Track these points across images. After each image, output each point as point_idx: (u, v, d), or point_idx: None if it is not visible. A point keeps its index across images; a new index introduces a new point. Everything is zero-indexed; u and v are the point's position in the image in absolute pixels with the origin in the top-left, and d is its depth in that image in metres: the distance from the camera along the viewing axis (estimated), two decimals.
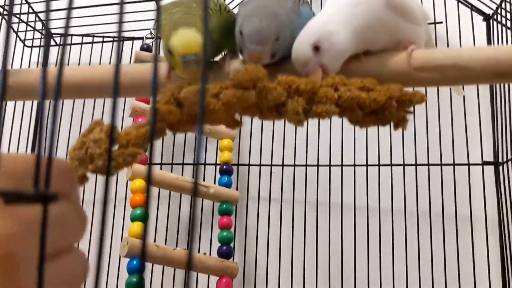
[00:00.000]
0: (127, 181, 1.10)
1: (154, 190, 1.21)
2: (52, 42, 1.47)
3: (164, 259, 0.96)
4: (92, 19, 1.35)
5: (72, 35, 1.44)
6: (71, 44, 1.45)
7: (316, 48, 0.56)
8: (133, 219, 0.98)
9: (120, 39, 0.33)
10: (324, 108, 0.51)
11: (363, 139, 1.23)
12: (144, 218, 0.98)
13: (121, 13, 0.33)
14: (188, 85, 0.55)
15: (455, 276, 1.13)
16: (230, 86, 0.52)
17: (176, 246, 1.17)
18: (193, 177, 1.21)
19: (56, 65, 1.06)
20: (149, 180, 0.35)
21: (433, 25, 1.29)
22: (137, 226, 0.97)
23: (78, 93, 0.70)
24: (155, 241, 1.18)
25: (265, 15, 0.57)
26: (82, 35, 1.44)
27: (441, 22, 1.29)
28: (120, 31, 0.30)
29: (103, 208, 0.28)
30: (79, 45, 1.44)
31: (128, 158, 0.50)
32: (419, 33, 0.63)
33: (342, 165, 1.24)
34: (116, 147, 0.52)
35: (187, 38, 0.55)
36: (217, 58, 0.68)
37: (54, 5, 1.34)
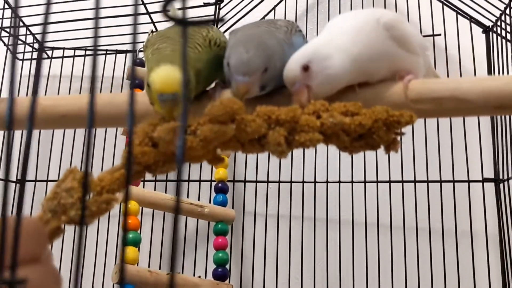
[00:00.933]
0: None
1: (148, 211, 1.19)
2: (44, 55, 1.45)
3: (158, 285, 0.94)
4: (84, 32, 1.33)
5: (64, 48, 1.42)
6: (63, 57, 1.42)
7: (305, 68, 0.54)
8: (126, 244, 0.96)
9: (95, 53, 0.30)
10: (307, 137, 0.48)
11: (361, 156, 1.21)
12: (136, 242, 0.96)
13: (96, 27, 0.31)
14: (162, 122, 0.52)
15: None
16: (206, 121, 0.49)
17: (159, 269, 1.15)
18: (176, 195, 1.18)
19: (48, 78, 1.03)
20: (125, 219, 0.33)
21: (431, 37, 1.27)
22: (129, 251, 0.94)
23: (57, 123, 0.68)
24: (149, 265, 1.16)
25: (253, 45, 0.54)
26: (74, 48, 1.41)
27: (439, 34, 1.27)
28: (95, 47, 0.27)
29: (76, 263, 0.27)
30: (71, 58, 1.42)
31: (102, 205, 0.47)
32: (417, 63, 0.61)
33: (339, 182, 1.21)
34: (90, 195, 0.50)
35: (167, 75, 0.52)
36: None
37: (45, 18, 1.32)
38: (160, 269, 1.16)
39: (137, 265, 0.98)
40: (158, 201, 1.04)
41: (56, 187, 0.47)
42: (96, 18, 0.32)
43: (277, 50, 0.56)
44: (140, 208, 1.03)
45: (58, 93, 1.41)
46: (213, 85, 0.65)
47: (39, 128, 1.11)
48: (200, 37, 0.61)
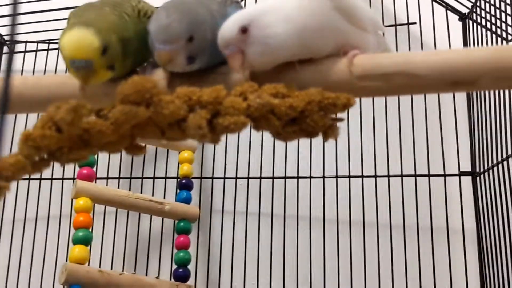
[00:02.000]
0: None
1: (100, 207, 1.12)
2: (6, 49, 1.39)
3: (109, 286, 0.88)
4: (47, 24, 1.27)
5: (26, 42, 1.35)
6: (25, 51, 1.36)
7: (244, 30, 0.48)
8: (75, 242, 0.90)
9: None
10: (231, 119, 0.44)
11: (332, 150, 1.15)
12: (86, 241, 0.89)
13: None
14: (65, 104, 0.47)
15: None
16: (118, 102, 0.45)
17: (123, 270, 1.09)
18: (141, 192, 1.12)
19: (21, 73, 0.96)
20: None
21: (406, 26, 1.22)
22: (79, 249, 0.88)
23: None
24: (100, 265, 1.10)
25: (175, 10, 0.49)
26: (37, 42, 1.35)
27: (414, 23, 1.21)
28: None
29: None
30: (34, 52, 1.36)
31: None
32: (366, 39, 0.55)
33: (310, 177, 1.16)
34: None
35: (78, 39, 0.47)
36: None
37: (5, 11, 1.26)
38: (112, 269, 1.10)
39: (88, 264, 0.92)
40: (113, 198, 0.98)
41: None
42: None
43: (206, 19, 0.51)
44: (93, 205, 0.97)
45: None
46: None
47: None
48: (129, 7, 0.55)
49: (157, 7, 0.54)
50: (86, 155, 0.46)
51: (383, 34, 0.64)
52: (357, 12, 0.54)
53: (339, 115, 0.48)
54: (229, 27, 0.48)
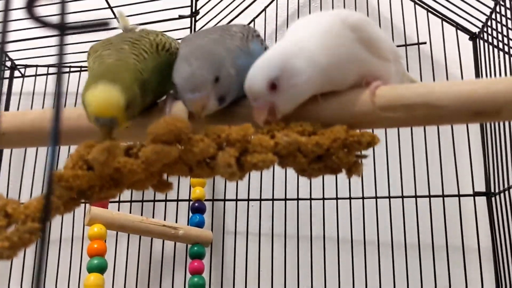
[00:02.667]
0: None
1: (113, 232, 1.12)
2: (18, 74, 1.40)
3: None
4: (55, 49, 1.28)
5: (37, 66, 1.36)
6: (36, 75, 1.37)
7: (273, 86, 0.47)
8: (90, 270, 0.89)
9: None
10: (260, 157, 0.44)
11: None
12: (101, 269, 0.89)
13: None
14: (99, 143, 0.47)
15: None
16: (149, 142, 0.45)
17: None
18: (153, 215, 1.12)
19: (20, 96, 0.97)
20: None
21: (416, 46, 1.22)
22: (94, 278, 0.88)
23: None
24: None
25: (196, 57, 0.48)
26: (48, 66, 1.36)
27: (425, 43, 1.21)
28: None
29: None
30: (45, 76, 1.37)
31: (25, 235, 0.43)
32: (387, 69, 0.55)
33: (323, 199, 1.15)
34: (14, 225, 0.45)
35: (104, 98, 0.46)
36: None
37: (16, 36, 1.27)
38: None
39: None
40: (127, 224, 0.97)
41: None
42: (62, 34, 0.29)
43: (225, 56, 0.50)
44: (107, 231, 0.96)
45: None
46: (164, 97, 0.59)
47: None
48: (147, 42, 0.55)
49: (181, 48, 0.54)
50: (116, 194, 0.47)
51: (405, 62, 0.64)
52: (379, 43, 0.54)
53: (364, 152, 0.48)
54: (257, 82, 0.47)
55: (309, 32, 0.51)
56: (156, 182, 0.47)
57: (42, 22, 0.28)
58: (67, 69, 1.35)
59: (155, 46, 0.55)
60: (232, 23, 1.26)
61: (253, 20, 1.30)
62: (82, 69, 1.34)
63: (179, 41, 0.59)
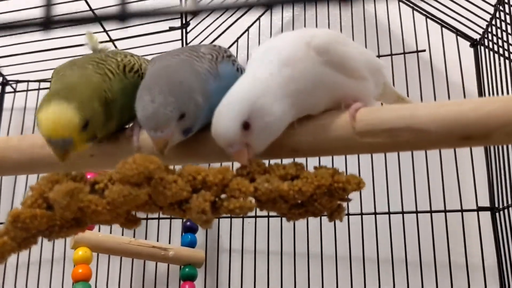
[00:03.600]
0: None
1: (103, 255, 1.09)
2: (9, 89, 1.37)
3: None
4: (48, 63, 1.25)
5: (28, 81, 1.34)
6: (27, 90, 1.34)
7: (246, 126, 0.44)
8: None
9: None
10: (237, 204, 0.41)
11: None
12: None
13: None
14: (65, 179, 0.44)
15: None
16: (117, 180, 0.42)
17: None
18: (145, 235, 1.08)
19: (11, 111, 0.94)
20: None
21: (415, 54, 1.17)
22: None
23: None
24: None
25: (160, 89, 0.44)
26: (40, 81, 1.33)
27: (424, 50, 1.17)
28: None
29: None
30: (36, 91, 1.34)
31: None
32: (364, 88, 0.51)
33: (320, 216, 1.10)
34: None
35: (56, 117, 0.43)
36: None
37: (7, 51, 1.25)
38: None
39: None
40: (114, 246, 0.94)
41: None
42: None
43: (193, 86, 0.47)
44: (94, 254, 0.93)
45: (23, 126, 1.33)
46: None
47: None
48: (113, 63, 0.52)
49: (147, 71, 0.51)
50: (77, 232, 0.44)
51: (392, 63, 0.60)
52: (350, 63, 0.49)
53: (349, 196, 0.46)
54: (230, 127, 0.44)
55: (272, 62, 0.47)
56: (124, 220, 0.44)
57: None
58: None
59: (122, 68, 0.52)
60: (224, 34, 1.23)
61: (247, 29, 1.26)
62: None
63: None
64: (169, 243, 1.10)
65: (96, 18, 0.28)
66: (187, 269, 1.02)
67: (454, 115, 0.46)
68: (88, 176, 0.99)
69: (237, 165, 0.46)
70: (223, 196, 0.43)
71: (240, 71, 0.54)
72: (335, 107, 0.50)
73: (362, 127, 0.47)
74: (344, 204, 0.46)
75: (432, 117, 0.46)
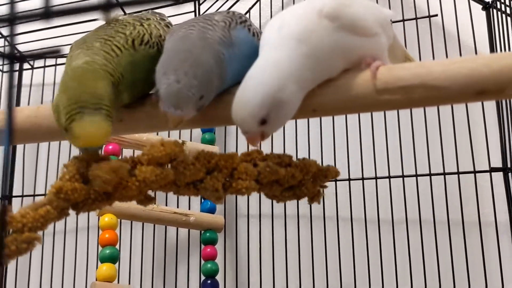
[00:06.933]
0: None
1: (126, 222, 1.12)
2: (27, 65, 1.40)
3: None
4: (65, 38, 1.27)
5: (45, 56, 1.36)
6: (44, 66, 1.37)
7: (263, 122, 0.48)
8: (102, 260, 0.90)
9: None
10: (244, 184, 0.50)
11: (357, 152, 1.13)
12: (113, 258, 0.89)
13: None
14: (96, 159, 0.48)
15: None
16: (145, 161, 0.48)
17: (152, 283, 1.09)
18: (166, 202, 1.11)
19: (30, 87, 0.97)
20: None
21: (427, 19, 1.18)
22: (107, 268, 0.88)
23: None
24: (129, 279, 1.10)
25: (185, 70, 0.47)
26: (56, 56, 1.36)
27: (436, 15, 1.17)
28: None
29: None
30: (54, 67, 1.36)
31: (23, 245, 0.45)
32: (379, 45, 0.53)
33: (336, 180, 1.13)
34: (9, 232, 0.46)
35: (96, 135, 0.46)
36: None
37: (23, 27, 1.27)
38: (141, 283, 1.10)
39: (117, 281, 0.92)
40: (138, 212, 0.97)
41: None
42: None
43: (213, 68, 0.49)
44: (119, 221, 0.97)
45: (42, 101, 1.36)
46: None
47: None
48: (122, 38, 0.53)
49: (166, 44, 0.52)
50: (104, 206, 0.49)
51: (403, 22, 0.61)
52: (363, 22, 0.51)
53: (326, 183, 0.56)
54: (247, 122, 0.48)
55: (287, 42, 0.49)
56: (143, 197, 0.50)
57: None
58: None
59: (130, 42, 0.53)
60: (236, 5, 1.24)
61: (258, 1, 1.27)
62: None
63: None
64: (189, 209, 1.13)
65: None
66: (208, 234, 1.06)
67: (468, 71, 0.48)
68: (110, 147, 1.02)
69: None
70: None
71: (256, 35, 0.55)
72: (351, 67, 0.52)
73: (380, 85, 0.49)
74: (322, 190, 0.55)
75: (446, 74, 0.48)
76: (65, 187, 0.46)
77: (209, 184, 0.49)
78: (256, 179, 0.50)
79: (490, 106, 1.10)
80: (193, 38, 0.50)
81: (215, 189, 0.49)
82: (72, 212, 0.49)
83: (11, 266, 1.23)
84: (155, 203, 0.52)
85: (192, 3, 1.22)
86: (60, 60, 1.36)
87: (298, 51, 0.48)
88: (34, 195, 1.26)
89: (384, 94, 0.49)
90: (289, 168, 0.51)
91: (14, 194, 1.27)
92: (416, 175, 1.09)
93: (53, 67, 1.37)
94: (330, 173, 0.53)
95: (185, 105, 0.47)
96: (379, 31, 0.53)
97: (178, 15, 1.17)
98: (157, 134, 1.08)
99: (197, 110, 0.49)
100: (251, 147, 0.52)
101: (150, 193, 0.51)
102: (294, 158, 0.53)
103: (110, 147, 1.01)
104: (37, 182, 1.28)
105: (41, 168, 1.29)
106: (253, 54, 0.51)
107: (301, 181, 0.52)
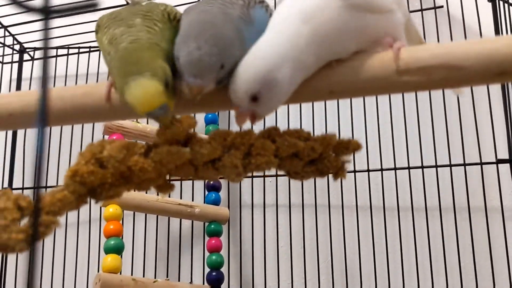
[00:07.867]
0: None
1: (129, 213, 1.11)
2: (27, 57, 1.39)
3: None
4: (65, 29, 1.26)
5: (57, 47, 1.34)
6: (45, 57, 1.35)
7: (254, 99, 0.47)
8: (107, 251, 0.89)
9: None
10: (263, 160, 0.48)
11: (363, 143, 1.12)
12: (118, 249, 0.88)
13: None
14: (110, 143, 0.47)
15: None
16: (160, 143, 0.48)
17: (155, 275, 1.08)
18: (169, 194, 1.10)
19: (30, 79, 0.96)
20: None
21: (433, 10, 1.17)
22: (111, 259, 0.87)
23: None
24: (132, 271, 1.09)
25: (205, 39, 0.46)
26: (57, 48, 1.34)
27: (441, 6, 1.17)
28: None
29: None
30: (54, 58, 1.35)
31: (41, 228, 0.43)
32: (396, 22, 0.52)
33: None
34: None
35: (147, 95, 0.45)
36: None
37: (24, 18, 1.26)
38: (144, 274, 1.09)
39: (120, 273, 0.91)
40: (143, 203, 0.96)
41: None
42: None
43: (234, 40, 0.48)
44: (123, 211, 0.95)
45: None
46: None
47: None
48: (159, 13, 0.53)
49: (183, 20, 0.51)
50: (123, 192, 0.48)
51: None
52: (373, 1, 0.50)
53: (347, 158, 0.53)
54: (239, 94, 0.47)
55: (294, 19, 0.48)
56: (162, 183, 0.49)
57: (25, 7, 0.27)
58: (65, 51, 1.34)
59: (166, 16, 0.53)
60: None
61: None
62: (81, 50, 1.32)
63: None
64: (192, 201, 1.12)
65: None
66: (212, 226, 1.05)
67: (489, 51, 0.47)
68: (114, 137, 1.01)
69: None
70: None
71: (271, 14, 0.54)
72: (367, 47, 0.51)
73: (401, 66, 0.48)
74: (346, 165, 0.52)
75: (467, 55, 0.47)
76: (81, 170, 0.45)
77: (228, 161, 0.47)
78: (275, 154, 0.49)
79: (497, 97, 1.09)
80: (214, 12, 0.49)
81: (234, 166, 0.47)
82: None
83: (11, 259, 1.21)
84: (173, 190, 0.50)
85: None
86: (60, 51, 1.35)
87: (300, 32, 0.47)
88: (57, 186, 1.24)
89: (404, 75, 0.48)
90: (307, 142, 0.49)
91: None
92: (422, 167, 1.08)
93: (53, 58, 1.35)
94: (352, 145, 0.51)
95: (206, 74, 0.45)
96: (394, 7, 0.51)
97: (183, 4, 1.16)
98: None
99: (217, 83, 0.47)
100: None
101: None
102: None
103: (114, 137, 1.00)
104: (60, 173, 1.25)
105: (64, 157, 1.26)
106: None
107: (322, 154, 0.50)
